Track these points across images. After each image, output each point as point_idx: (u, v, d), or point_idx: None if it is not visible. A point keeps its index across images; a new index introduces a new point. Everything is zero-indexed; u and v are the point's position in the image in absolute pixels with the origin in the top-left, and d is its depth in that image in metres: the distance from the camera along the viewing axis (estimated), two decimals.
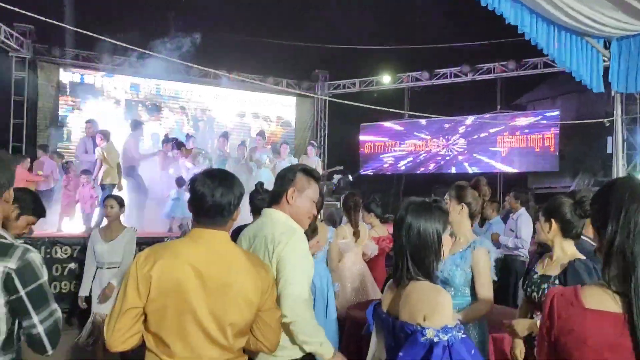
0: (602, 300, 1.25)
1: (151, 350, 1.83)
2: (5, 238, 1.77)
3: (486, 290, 2.72)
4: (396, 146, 14.93)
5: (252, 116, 14.06)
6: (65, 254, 6.19)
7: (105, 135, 7.55)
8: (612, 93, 6.63)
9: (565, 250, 2.55)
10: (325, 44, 12.87)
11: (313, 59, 14.09)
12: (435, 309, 1.70)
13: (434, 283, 1.84)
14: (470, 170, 13.37)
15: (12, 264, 1.70)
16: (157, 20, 9.53)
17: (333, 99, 13.61)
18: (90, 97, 12.05)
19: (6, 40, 10.98)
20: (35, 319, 1.73)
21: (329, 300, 3.80)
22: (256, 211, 3.44)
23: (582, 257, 2.50)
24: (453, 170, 13.87)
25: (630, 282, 1.22)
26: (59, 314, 1.83)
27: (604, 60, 6.49)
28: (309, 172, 2.35)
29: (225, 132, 10.39)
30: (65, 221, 8.03)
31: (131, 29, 9.36)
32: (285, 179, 2.31)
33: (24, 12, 7.47)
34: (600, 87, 6.49)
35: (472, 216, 2.90)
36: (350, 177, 12.53)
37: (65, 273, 6.17)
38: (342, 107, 12.93)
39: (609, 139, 7.42)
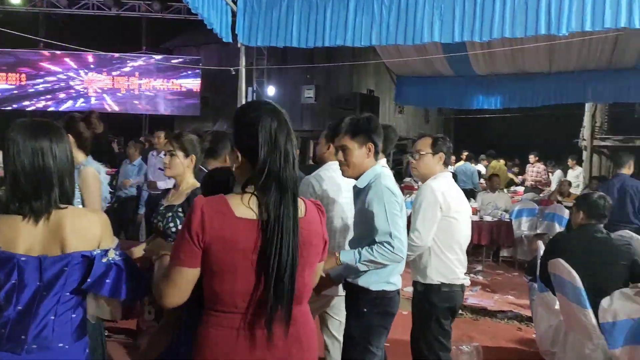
0: (246, 210, 1.44)
1: None
2: None
3: None
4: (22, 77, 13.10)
5: None
6: None
7: None
8: (239, 44, 7.37)
9: (189, 182, 2.84)
10: None
11: None
12: (106, 231, 1.68)
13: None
14: (110, 108, 12.90)
15: None
16: None
17: None
18: None
19: None
20: None
21: None
22: None
23: (198, 184, 2.80)
24: (81, 104, 13.03)
25: (281, 201, 1.44)
26: None
27: (233, 14, 7.15)
28: None
29: None
30: None
31: None
32: None
33: None
34: (229, 37, 7.14)
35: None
36: None
37: None
38: None
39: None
